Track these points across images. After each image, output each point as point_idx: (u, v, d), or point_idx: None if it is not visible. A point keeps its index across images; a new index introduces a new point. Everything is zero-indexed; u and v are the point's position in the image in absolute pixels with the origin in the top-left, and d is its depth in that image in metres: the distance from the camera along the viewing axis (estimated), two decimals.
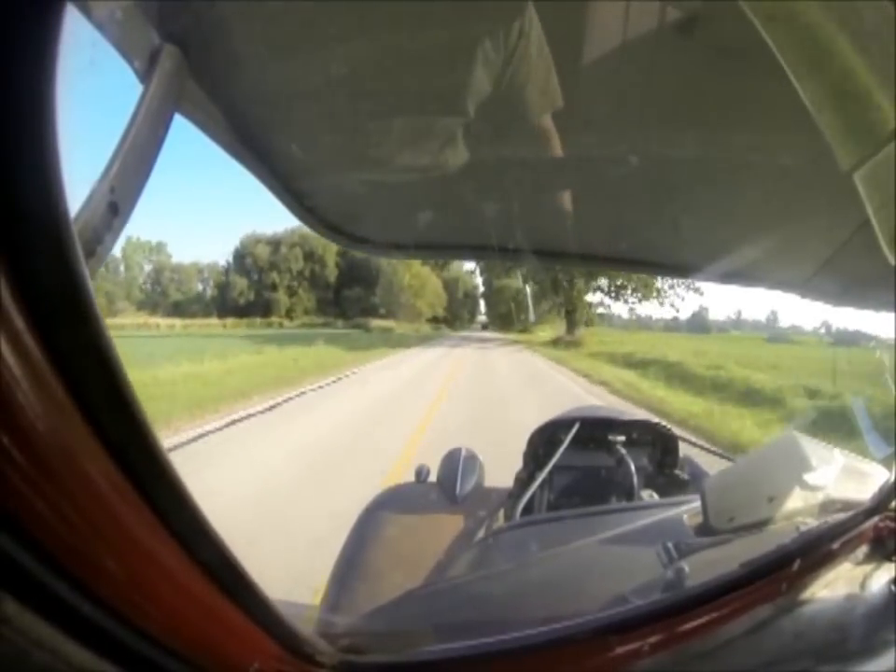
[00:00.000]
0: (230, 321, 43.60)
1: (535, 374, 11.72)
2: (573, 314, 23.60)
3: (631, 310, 24.89)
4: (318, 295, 48.60)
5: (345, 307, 46.57)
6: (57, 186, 0.17)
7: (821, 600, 0.54)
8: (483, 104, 0.58)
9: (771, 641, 0.49)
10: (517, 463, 1.27)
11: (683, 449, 1.29)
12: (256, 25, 0.49)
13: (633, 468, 1.15)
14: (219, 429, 5.35)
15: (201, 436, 5.00)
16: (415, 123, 0.64)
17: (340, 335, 26.28)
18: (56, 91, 0.16)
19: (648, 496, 1.12)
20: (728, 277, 1.02)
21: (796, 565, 0.53)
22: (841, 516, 0.60)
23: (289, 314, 47.19)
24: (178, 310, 44.83)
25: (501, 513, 1.22)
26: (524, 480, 1.22)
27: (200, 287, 48.81)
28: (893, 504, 0.62)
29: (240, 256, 47.82)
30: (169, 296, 46.15)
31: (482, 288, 44.79)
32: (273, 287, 47.00)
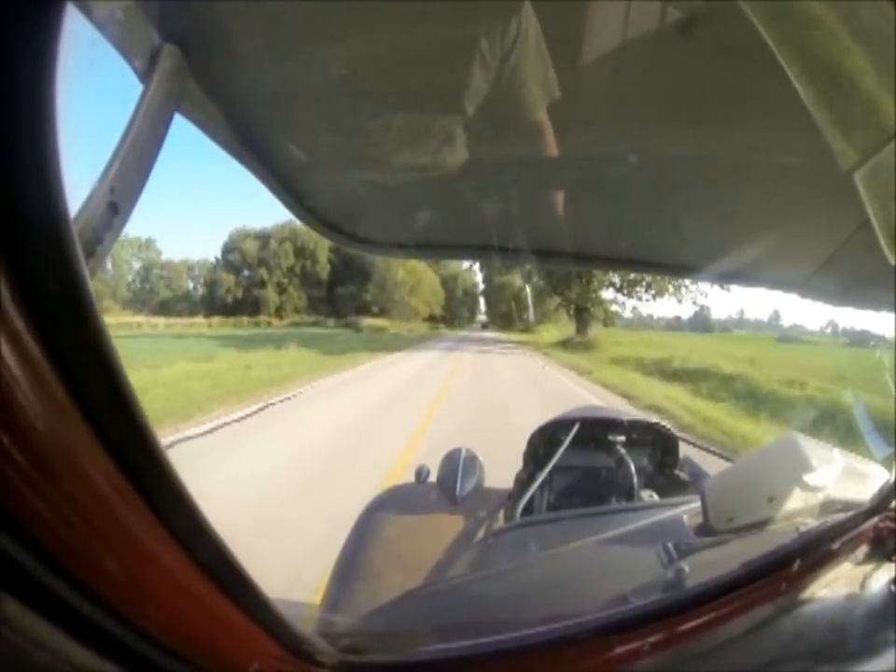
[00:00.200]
0: (215, 320, 40.93)
1: (556, 394, 7.67)
2: (584, 312, 21.47)
3: (634, 308, 23.51)
4: (310, 293, 46.14)
5: (338, 305, 43.84)
6: (57, 186, 0.17)
7: (821, 600, 0.54)
8: (482, 102, 0.58)
9: (771, 641, 0.49)
10: None
11: (683, 449, 1.29)
12: (255, 25, 0.49)
13: (633, 468, 1.15)
14: None
15: None
16: (415, 122, 0.64)
17: (323, 336, 23.99)
18: (56, 91, 0.16)
19: (648, 496, 1.12)
20: (728, 277, 1.02)
21: (796, 565, 0.53)
22: (841, 516, 0.60)
23: (279, 312, 44.97)
24: (165, 308, 42.22)
25: (501, 514, 1.22)
26: (524, 480, 1.22)
27: (190, 284, 46.44)
28: (893, 504, 0.62)
29: (228, 251, 45.32)
30: (158, 294, 43.65)
31: (482, 286, 43.39)
32: (262, 285, 44.60)
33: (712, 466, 1.27)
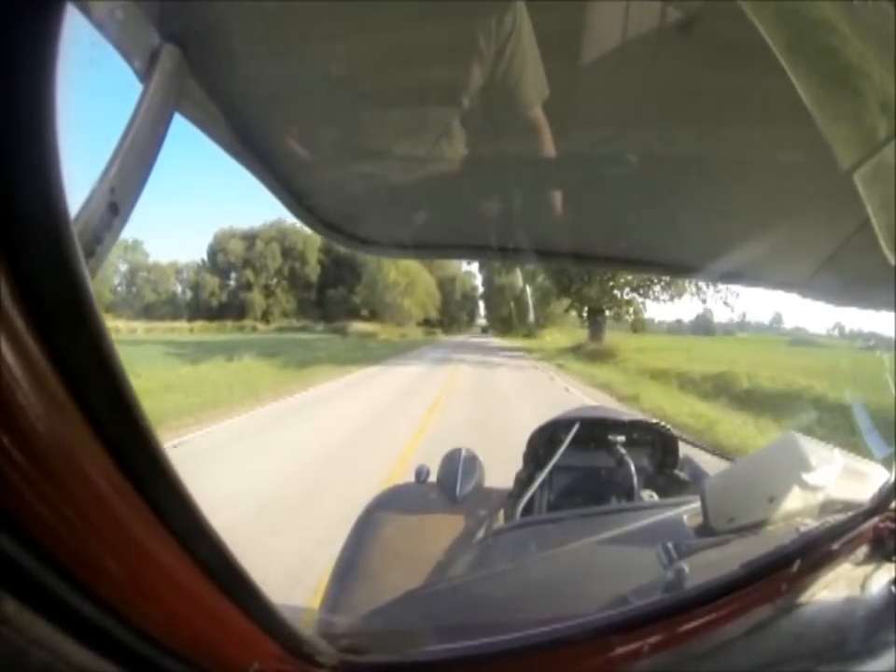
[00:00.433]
0: (198, 325, 38.28)
1: None
2: (599, 315, 18.81)
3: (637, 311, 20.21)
4: (299, 295, 43.79)
5: (329, 309, 41.33)
6: (57, 186, 0.17)
7: (821, 601, 0.54)
8: (479, 99, 0.58)
9: (771, 642, 0.49)
10: None
11: (683, 449, 1.29)
12: (255, 24, 0.49)
13: (633, 468, 1.15)
14: None
15: None
16: (413, 116, 0.64)
17: (301, 342, 21.15)
18: (56, 91, 0.16)
19: (648, 496, 1.12)
20: (728, 276, 1.03)
21: (796, 565, 0.53)
22: (841, 517, 0.60)
23: (266, 316, 42.56)
24: (149, 313, 39.84)
25: (501, 514, 1.22)
26: (524, 480, 1.22)
27: (179, 288, 44.30)
28: (893, 505, 0.62)
29: (213, 252, 43.03)
30: (144, 298, 41.48)
31: (481, 289, 41.55)
32: (248, 287, 42.38)
33: (712, 466, 1.27)
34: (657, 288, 18.04)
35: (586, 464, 1.25)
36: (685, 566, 0.51)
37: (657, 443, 1.28)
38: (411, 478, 1.36)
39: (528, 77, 0.55)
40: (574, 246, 1.00)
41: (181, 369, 10.27)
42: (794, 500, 0.61)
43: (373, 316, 36.68)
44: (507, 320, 31.07)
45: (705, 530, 0.64)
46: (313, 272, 43.66)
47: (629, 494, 1.14)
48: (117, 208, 0.37)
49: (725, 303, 17.39)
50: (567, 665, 0.44)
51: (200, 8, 0.45)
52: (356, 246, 0.94)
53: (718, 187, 0.75)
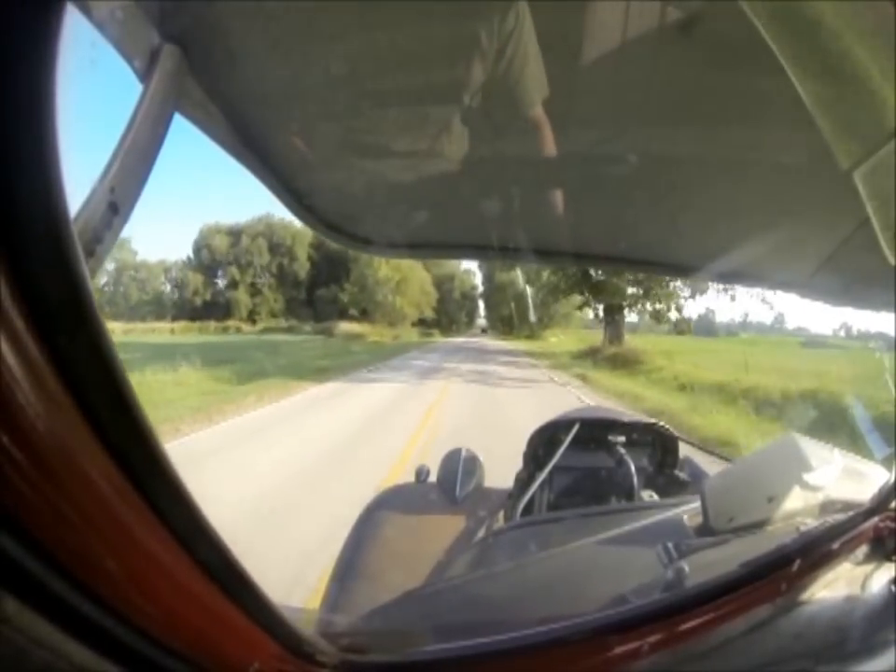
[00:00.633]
0: (179, 325, 35.57)
1: None
2: (617, 313, 15.80)
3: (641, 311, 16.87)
4: (288, 294, 40.53)
5: (319, 308, 37.71)
6: (57, 186, 0.17)
7: (821, 601, 0.54)
8: (480, 98, 0.58)
9: (771, 642, 0.49)
10: None
11: (683, 450, 1.29)
12: (255, 24, 0.49)
13: (633, 468, 1.15)
14: None
15: None
16: (413, 118, 0.64)
17: (278, 344, 19.28)
18: (56, 91, 0.16)
19: (648, 496, 1.12)
20: (728, 276, 1.02)
21: (796, 565, 0.53)
22: (841, 516, 0.60)
23: (252, 316, 39.52)
24: (135, 313, 37.28)
25: (501, 514, 1.21)
26: (524, 480, 1.22)
27: (167, 287, 41.22)
28: (893, 504, 0.62)
29: (197, 249, 40.00)
30: (130, 297, 38.79)
31: (481, 288, 39.75)
32: (234, 285, 39.31)
33: (712, 466, 1.27)
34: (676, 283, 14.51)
35: (586, 464, 1.25)
36: (685, 565, 0.51)
37: (657, 443, 1.28)
38: None
39: (529, 76, 0.55)
40: (574, 246, 1.00)
41: None
42: (794, 500, 0.61)
43: (364, 316, 33.27)
44: (508, 320, 29.37)
45: (705, 530, 0.64)
46: (302, 269, 40.59)
47: (629, 494, 1.14)
48: (117, 208, 0.37)
49: (733, 299, 15.07)
50: (567, 664, 0.44)
51: (200, 8, 0.45)
52: (356, 246, 0.94)
53: (718, 187, 0.75)
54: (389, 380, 10.22)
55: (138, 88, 0.41)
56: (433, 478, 1.36)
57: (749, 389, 7.85)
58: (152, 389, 7.56)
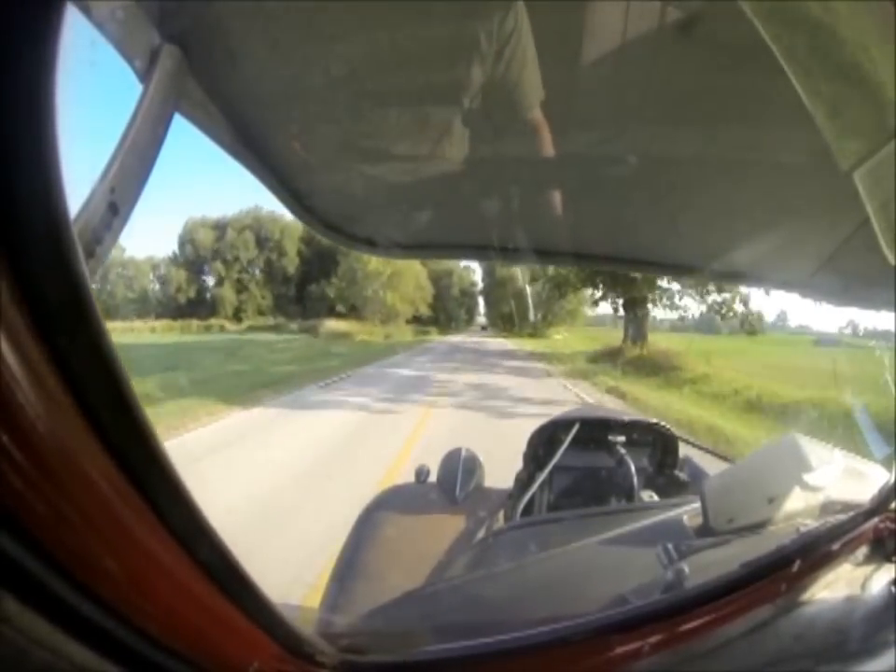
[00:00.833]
0: (160, 324, 32.99)
1: None
2: (640, 307, 13.65)
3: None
4: (276, 290, 37.89)
5: (310, 305, 35.18)
6: (57, 186, 0.17)
7: (821, 601, 0.54)
8: (480, 99, 0.58)
9: (771, 642, 0.49)
10: None
11: (683, 450, 1.29)
12: (255, 24, 0.49)
13: (633, 468, 1.15)
14: None
15: None
16: (414, 116, 0.64)
17: (240, 346, 17.17)
18: (56, 91, 0.16)
19: (648, 496, 1.12)
20: (728, 276, 1.02)
21: (796, 566, 0.53)
22: (841, 517, 0.60)
23: (238, 314, 36.78)
24: (119, 311, 34.20)
25: (501, 514, 1.21)
26: (523, 480, 1.22)
27: (156, 284, 38.22)
28: (893, 505, 0.62)
29: (182, 243, 37.24)
30: (116, 295, 35.67)
31: (480, 285, 37.89)
32: (220, 282, 36.78)
33: (712, 466, 1.27)
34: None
35: (586, 464, 1.25)
36: (685, 566, 0.51)
37: (657, 444, 1.28)
38: None
39: (527, 78, 0.56)
40: (574, 246, 1.00)
41: None
42: (794, 501, 0.61)
43: (354, 313, 30.42)
44: (509, 318, 26.89)
45: (705, 530, 0.64)
46: (291, 264, 37.76)
47: (629, 494, 1.14)
48: (117, 208, 0.37)
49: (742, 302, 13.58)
50: (567, 664, 0.44)
51: (200, 8, 0.45)
52: (357, 247, 0.94)
53: (718, 186, 0.75)
54: (340, 405, 6.74)
55: (138, 88, 0.41)
56: (433, 478, 1.36)
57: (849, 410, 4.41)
58: None
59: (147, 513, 0.21)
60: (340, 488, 3.32)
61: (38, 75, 0.16)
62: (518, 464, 1.25)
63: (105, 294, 35.62)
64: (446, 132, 0.65)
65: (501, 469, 1.39)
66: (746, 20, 0.31)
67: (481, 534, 1.13)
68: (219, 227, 37.37)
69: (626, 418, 1.30)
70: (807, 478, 0.60)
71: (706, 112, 0.59)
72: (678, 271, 1.12)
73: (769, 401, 6.82)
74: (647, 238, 0.95)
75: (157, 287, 38.26)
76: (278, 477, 3.77)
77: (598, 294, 15.18)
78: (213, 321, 34.97)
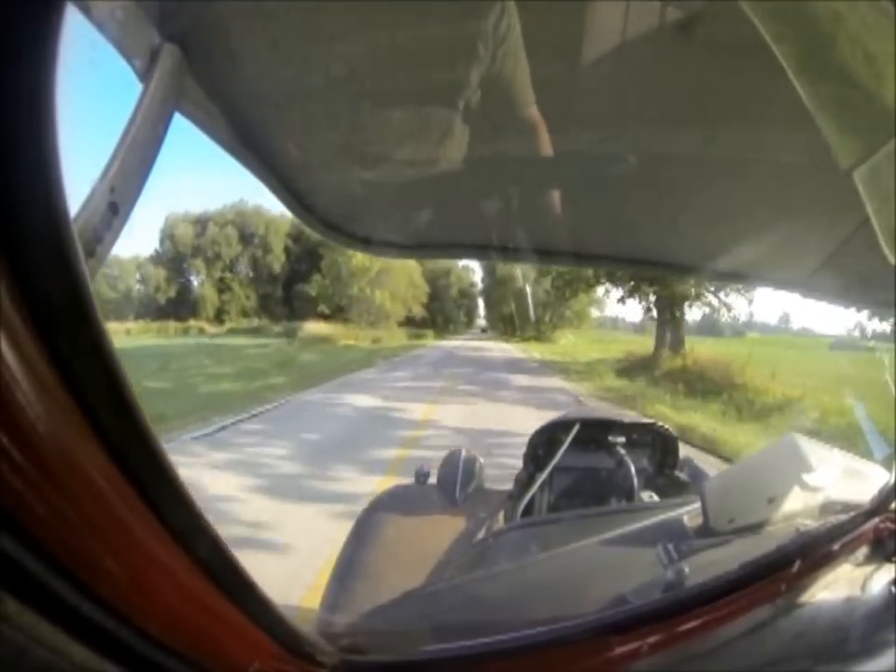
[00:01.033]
0: (136, 326, 29.74)
1: None
2: (678, 307, 11.35)
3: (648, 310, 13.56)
4: (261, 289, 35.12)
5: (297, 306, 32.26)
6: (57, 186, 0.17)
7: (821, 601, 0.54)
8: (478, 98, 0.58)
9: (771, 642, 0.49)
10: None
11: (683, 450, 1.29)
12: (255, 24, 0.49)
13: (633, 469, 1.15)
14: None
15: None
16: (413, 117, 0.64)
17: (199, 353, 14.73)
18: (56, 91, 0.16)
19: (648, 497, 1.12)
20: (729, 276, 1.03)
21: (796, 566, 0.53)
22: (841, 517, 0.60)
23: (220, 315, 34.18)
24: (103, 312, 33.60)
25: (501, 515, 1.21)
26: (524, 481, 1.22)
27: (140, 284, 35.22)
28: (893, 505, 0.62)
29: (161, 240, 34.53)
30: (99, 296, 35.01)
31: (480, 286, 36.56)
32: (200, 281, 34.17)
33: (712, 467, 1.27)
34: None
35: (586, 465, 1.25)
36: (685, 566, 0.51)
37: (657, 444, 1.28)
38: None
39: (520, 77, 0.56)
40: (574, 246, 1.00)
41: None
42: (794, 501, 0.61)
43: (341, 314, 27.27)
44: (510, 320, 25.23)
45: (705, 531, 0.64)
46: (277, 262, 34.97)
47: (629, 495, 1.14)
48: (117, 208, 0.37)
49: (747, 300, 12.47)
50: (567, 664, 0.44)
51: (200, 8, 0.45)
52: (357, 246, 0.94)
53: (717, 186, 0.75)
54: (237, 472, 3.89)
55: (138, 88, 0.41)
56: (433, 479, 1.36)
57: None
58: None
59: (147, 513, 0.21)
60: None
61: (38, 75, 0.16)
62: None
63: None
64: (446, 131, 0.65)
65: None
66: (746, 20, 0.31)
67: (481, 535, 1.13)
68: (201, 222, 34.62)
69: (626, 419, 1.30)
70: (807, 478, 0.60)
71: (706, 112, 0.59)
72: (678, 271, 1.12)
73: None
74: (647, 238, 0.95)
75: (139, 287, 35.53)
76: None
77: (622, 291, 12.99)
78: (192, 322, 32.31)
